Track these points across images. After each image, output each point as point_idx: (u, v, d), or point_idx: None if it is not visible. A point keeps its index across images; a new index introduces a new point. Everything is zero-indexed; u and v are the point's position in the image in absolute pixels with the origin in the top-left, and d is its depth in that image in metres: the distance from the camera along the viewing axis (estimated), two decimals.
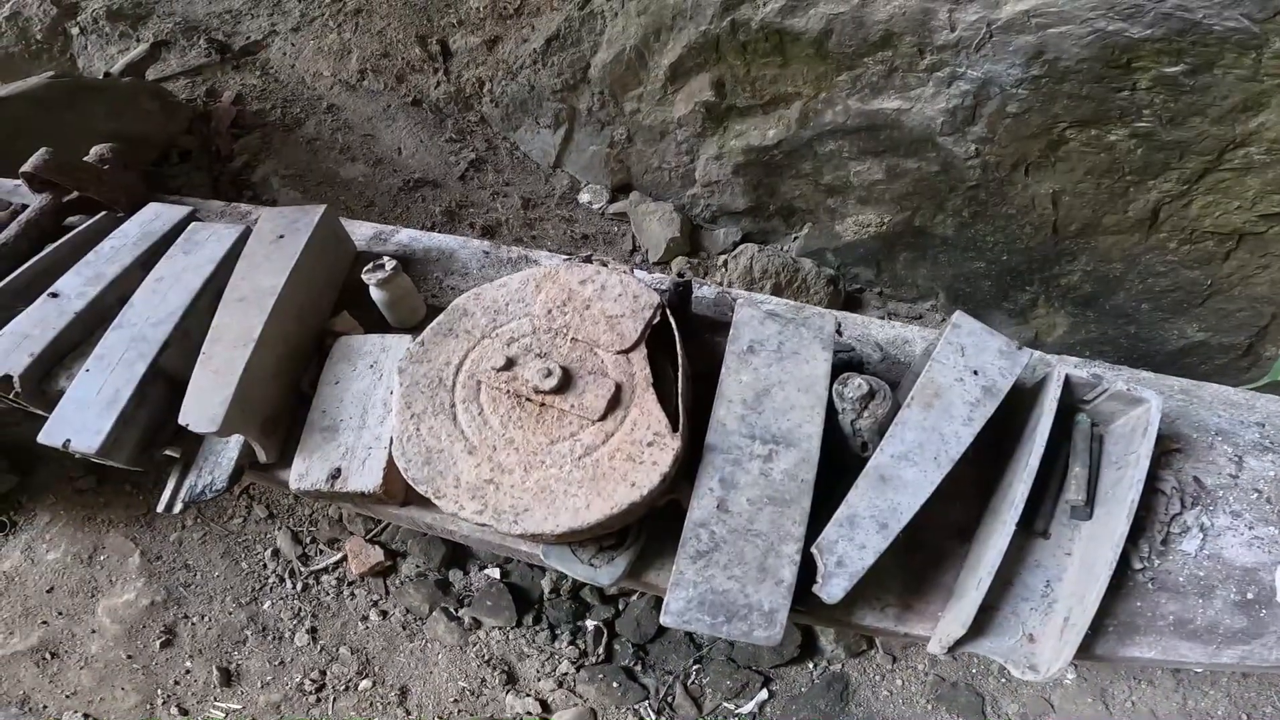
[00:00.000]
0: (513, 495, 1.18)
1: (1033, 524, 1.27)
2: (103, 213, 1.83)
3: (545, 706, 2.04)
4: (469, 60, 3.00)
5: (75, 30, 3.27)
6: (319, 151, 3.06)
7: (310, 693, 2.07)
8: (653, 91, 2.68)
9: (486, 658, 2.12)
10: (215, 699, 2.07)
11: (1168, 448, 1.36)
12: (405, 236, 1.87)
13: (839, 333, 1.42)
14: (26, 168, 1.76)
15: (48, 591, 2.22)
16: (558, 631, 2.15)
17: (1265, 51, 1.69)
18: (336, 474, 1.35)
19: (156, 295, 1.56)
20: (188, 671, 2.11)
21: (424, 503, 1.32)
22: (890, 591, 1.27)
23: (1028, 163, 2.18)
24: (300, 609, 2.21)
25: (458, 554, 2.29)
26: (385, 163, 3.05)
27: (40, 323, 1.55)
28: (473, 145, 3.11)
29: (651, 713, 2.03)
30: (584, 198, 3.09)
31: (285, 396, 1.50)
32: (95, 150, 1.90)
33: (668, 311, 1.37)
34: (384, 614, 2.20)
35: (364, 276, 1.52)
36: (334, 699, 2.07)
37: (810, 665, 2.10)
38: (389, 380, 1.45)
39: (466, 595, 2.23)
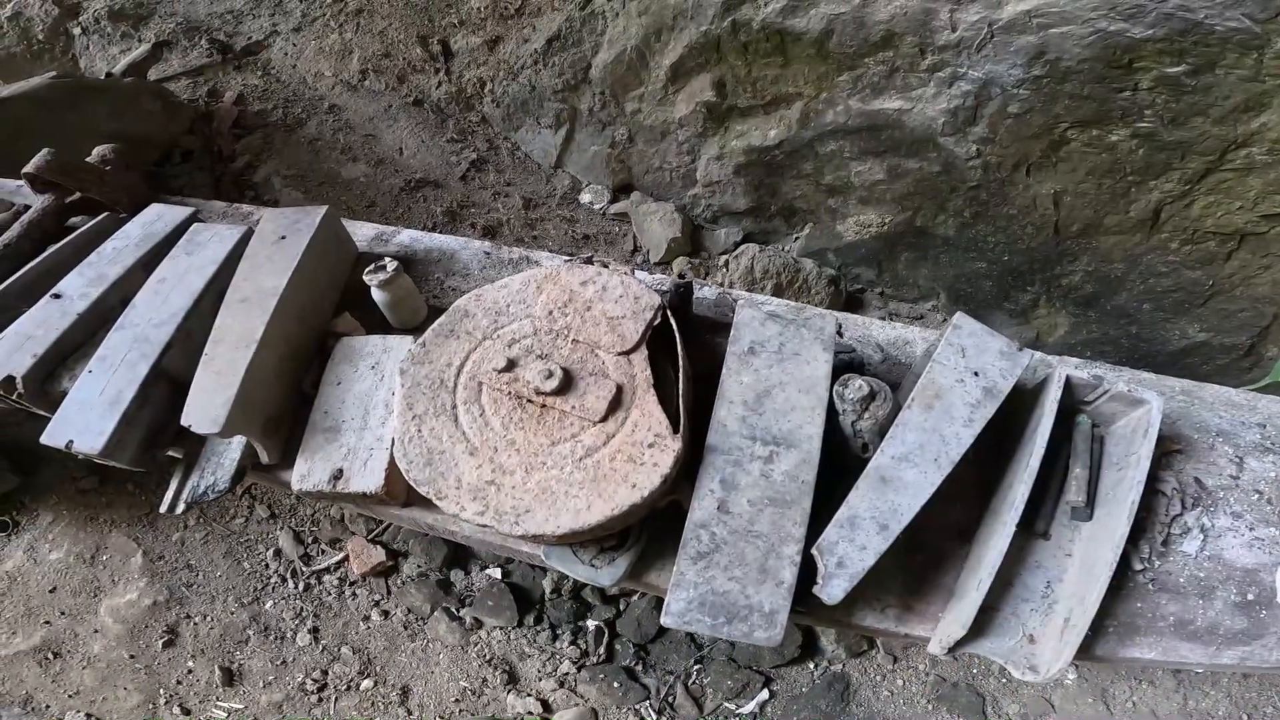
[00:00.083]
0: (514, 496, 1.18)
1: (1033, 525, 1.27)
2: (105, 213, 1.83)
3: (546, 706, 2.05)
4: (470, 60, 3.01)
5: (77, 30, 3.27)
6: (320, 152, 3.06)
7: (312, 692, 2.08)
8: (654, 92, 2.68)
9: (488, 658, 2.13)
10: (217, 699, 2.07)
11: (1168, 449, 1.36)
12: (406, 237, 1.87)
13: (840, 334, 1.42)
14: (29, 168, 1.77)
15: (50, 591, 2.23)
16: (559, 631, 2.15)
17: (1267, 52, 1.69)
18: (338, 475, 1.35)
19: (159, 296, 1.56)
20: (190, 671, 2.11)
21: (425, 503, 1.32)
22: (891, 592, 1.27)
23: (1029, 163, 2.18)
24: (302, 609, 2.21)
25: (459, 554, 2.29)
26: (386, 163, 3.05)
27: (43, 323, 1.55)
28: (474, 145, 3.11)
29: (652, 713, 2.03)
30: (585, 198, 3.09)
31: (287, 397, 1.50)
32: (97, 151, 1.90)
33: (668, 312, 1.37)
34: (385, 614, 2.20)
35: (365, 277, 1.52)
36: (336, 699, 2.08)
37: (811, 665, 2.10)
38: (391, 381, 1.45)
39: (468, 595, 2.23)
